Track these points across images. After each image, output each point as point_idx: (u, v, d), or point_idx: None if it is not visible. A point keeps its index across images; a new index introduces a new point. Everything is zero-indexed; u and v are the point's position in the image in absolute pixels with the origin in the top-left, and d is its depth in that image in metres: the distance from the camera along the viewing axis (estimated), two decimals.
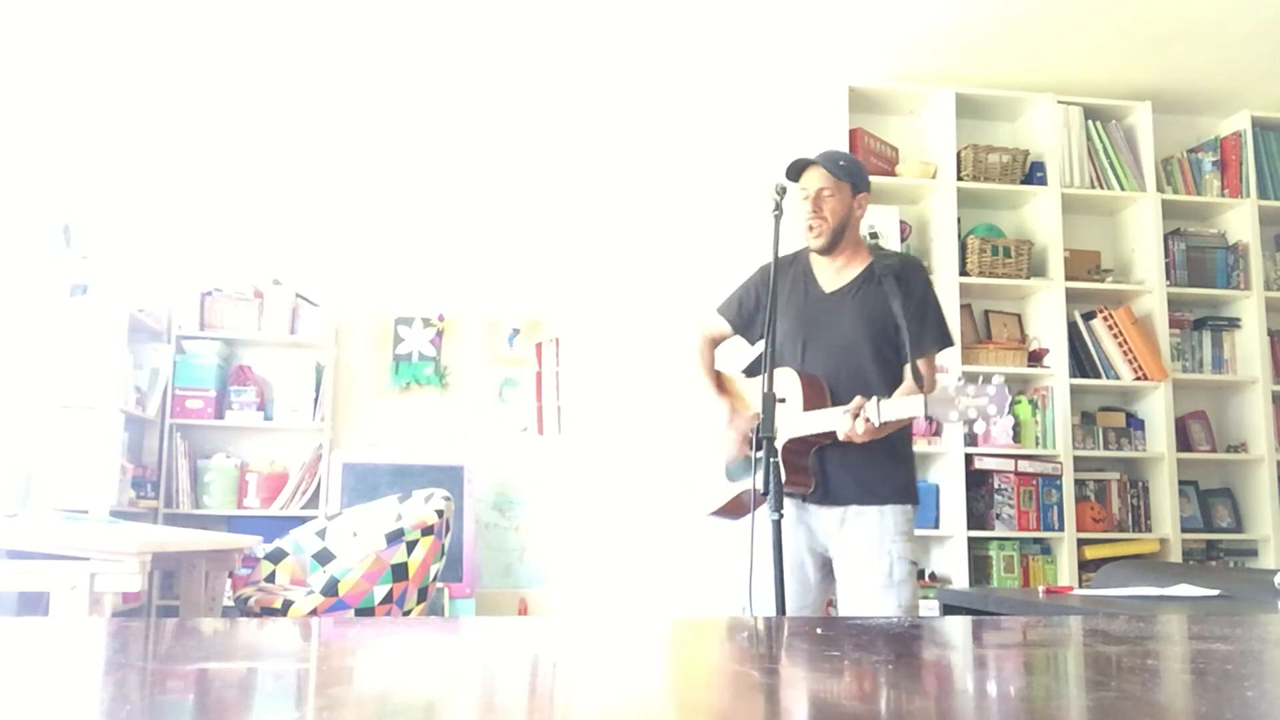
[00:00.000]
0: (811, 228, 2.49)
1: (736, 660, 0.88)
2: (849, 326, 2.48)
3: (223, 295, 4.39)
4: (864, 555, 2.40)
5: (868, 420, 2.25)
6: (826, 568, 2.49)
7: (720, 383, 2.64)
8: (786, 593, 2.32)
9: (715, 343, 2.71)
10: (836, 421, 2.31)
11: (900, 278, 2.50)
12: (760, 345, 2.69)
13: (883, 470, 2.45)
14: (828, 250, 2.52)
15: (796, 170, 2.53)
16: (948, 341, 2.56)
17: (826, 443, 2.38)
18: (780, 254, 2.66)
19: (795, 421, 2.36)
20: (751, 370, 2.68)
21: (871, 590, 2.38)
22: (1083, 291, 4.36)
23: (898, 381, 2.49)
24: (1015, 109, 4.56)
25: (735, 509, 2.54)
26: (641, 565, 4.46)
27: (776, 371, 2.47)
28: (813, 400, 2.40)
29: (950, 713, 0.66)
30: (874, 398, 2.29)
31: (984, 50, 4.15)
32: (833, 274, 2.57)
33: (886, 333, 2.48)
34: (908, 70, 4.33)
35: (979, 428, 2.32)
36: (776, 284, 2.33)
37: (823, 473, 2.43)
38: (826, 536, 2.45)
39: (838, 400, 2.38)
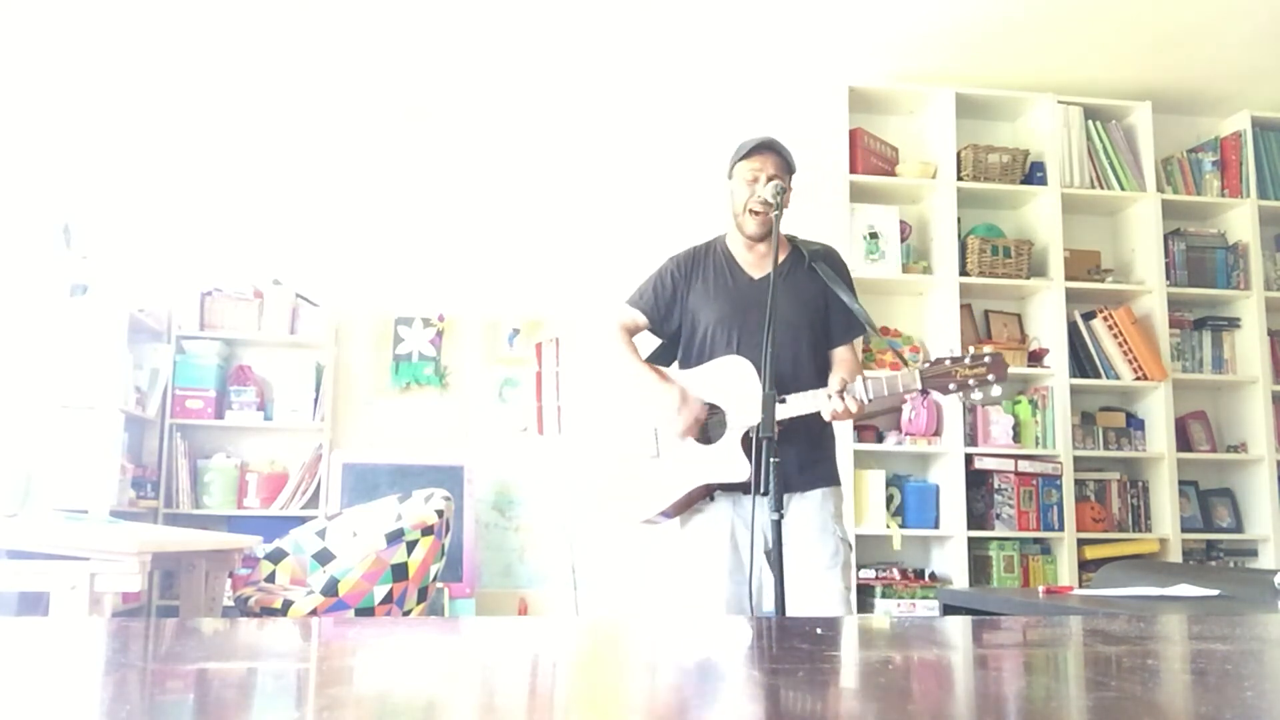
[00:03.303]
0: (756, 213, 2.44)
1: (737, 660, 0.88)
2: (785, 312, 2.43)
3: (223, 295, 4.39)
4: (807, 538, 2.38)
5: (856, 399, 2.25)
6: (768, 558, 2.43)
7: (659, 372, 2.56)
8: (730, 593, 2.33)
9: (632, 334, 2.64)
10: (821, 403, 2.28)
11: (830, 262, 2.51)
12: (669, 337, 2.63)
13: (821, 453, 2.46)
14: (762, 239, 2.49)
15: (756, 149, 2.47)
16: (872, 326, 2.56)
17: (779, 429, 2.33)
18: (699, 246, 2.62)
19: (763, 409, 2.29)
20: (656, 359, 2.61)
21: (816, 572, 2.35)
22: (1083, 291, 4.36)
23: (826, 364, 2.49)
24: (1015, 109, 4.56)
25: (674, 511, 2.49)
26: (640, 565, 4.46)
27: (726, 359, 2.45)
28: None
29: (951, 713, 0.66)
30: (859, 377, 2.28)
31: (984, 50, 4.15)
32: (756, 260, 2.52)
33: (820, 316, 2.49)
34: (908, 70, 4.33)
35: (976, 397, 2.27)
36: (776, 283, 2.29)
37: (760, 462, 2.36)
38: (767, 525, 2.37)
39: (780, 387, 2.30)
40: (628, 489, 2.56)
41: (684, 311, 2.57)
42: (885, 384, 2.28)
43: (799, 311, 2.47)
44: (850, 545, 2.46)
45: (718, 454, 2.41)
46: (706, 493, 2.46)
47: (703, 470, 2.43)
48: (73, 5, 3.80)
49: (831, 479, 2.48)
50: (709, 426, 2.45)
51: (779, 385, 2.32)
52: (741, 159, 2.48)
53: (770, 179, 2.43)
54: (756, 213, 2.45)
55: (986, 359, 2.27)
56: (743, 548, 2.41)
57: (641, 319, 2.61)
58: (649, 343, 2.66)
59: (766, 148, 2.47)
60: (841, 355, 2.52)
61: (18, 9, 3.81)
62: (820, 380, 2.45)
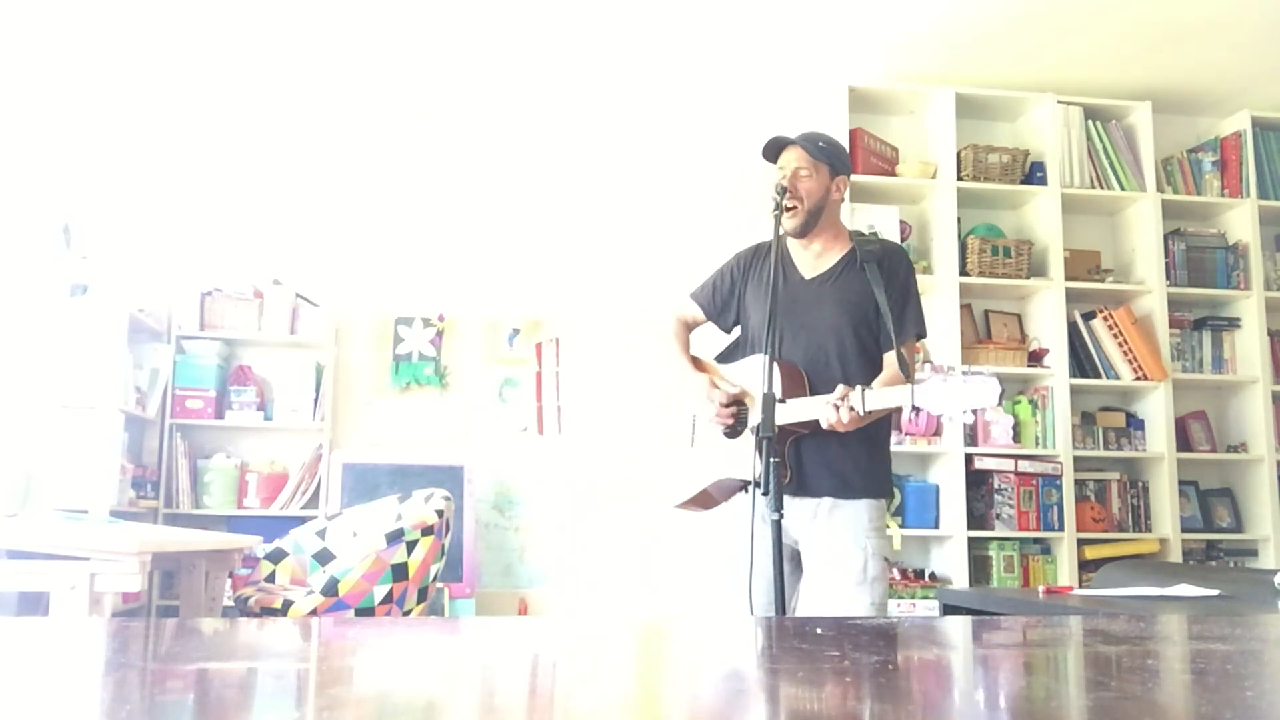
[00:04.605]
0: (786, 208, 2.40)
1: (736, 660, 0.88)
2: (829, 313, 2.41)
3: (223, 295, 4.39)
4: (837, 551, 2.33)
5: (852, 409, 2.18)
6: (795, 561, 2.42)
7: (698, 364, 2.59)
8: (755, 590, 2.27)
9: (689, 328, 2.66)
10: (820, 410, 2.23)
11: (882, 264, 2.44)
12: (735, 332, 2.64)
13: (859, 462, 2.38)
14: (802, 233, 2.45)
15: (774, 149, 2.46)
16: (925, 330, 2.52)
17: (805, 433, 2.31)
18: (762, 244, 2.61)
19: (777, 411, 2.25)
20: (725, 358, 2.61)
21: (844, 587, 2.31)
22: (1083, 291, 4.36)
23: (876, 369, 2.43)
24: (1015, 109, 4.56)
25: (704, 501, 2.49)
26: (641, 565, 4.46)
27: (753, 359, 2.43)
28: (791, 389, 2.33)
29: (951, 713, 0.66)
30: (859, 386, 2.22)
31: (984, 50, 4.15)
32: (811, 260, 2.50)
33: (867, 319, 2.42)
34: (908, 70, 4.33)
35: (967, 419, 2.26)
36: (777, 279, 2.28)
37: (798, 463, 2.36)
38: (796, 530, 2.37)
39: (815, 388, 2.33)
40: (668, 473, 2.58)
41: (741, 308, 2.58)
42: (882, 397, 2.26)
43: (843, 313, 2.42)
44: (887, 559, 2.38)
45: (739, 450, 2.41)
46: (740, 486, 2.42)
47: (723, 465, 2.42)
48: (73, 5, 3.79)
49: (868, 490, 2.39)
50: (739, 419, 2.44)
51: (817, 386, 2.33)
52: (771, 163, 2.48)
53: (794, 172, 2.42)
54: (785, 209, 2.40)
55: (979, 380, 2.23)
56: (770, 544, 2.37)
57: (699, 313, 2.64)
58: (719, 339, 2.67)
59: (783, 144, 2.45)
60: (887, 360, 2.44)
61: (18, 9, 3.81)
62: (868, 382, 2.38)
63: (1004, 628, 1.19)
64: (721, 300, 2.61)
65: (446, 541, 3.53)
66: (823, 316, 2.42)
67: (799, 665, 0.82)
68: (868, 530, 2.36)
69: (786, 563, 2.40)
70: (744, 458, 2.37)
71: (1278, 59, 4.17)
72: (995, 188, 4.36)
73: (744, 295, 2.57)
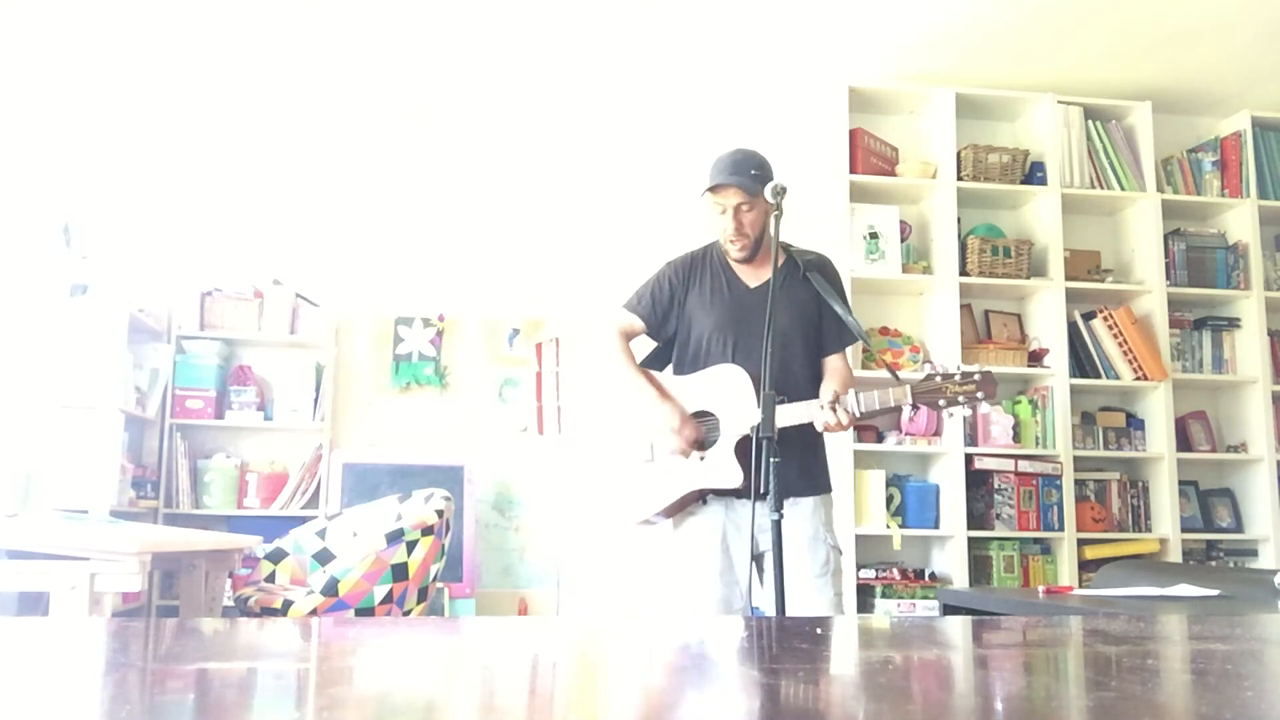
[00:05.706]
0: (733, 242, 2.47)
1: (737, 660, 0.88)
2: (780, 320, 2.42)
3: (223, 295, 4.39)
4: (799, 546, 2.39)
5: (848, 411, 2.29)
6: (759, 563, 2.45)
7: (649, 379, 2.58)
8: (720, 595, 2.36)
9: (630, 339, 2.65)
10: (814, 414, 2.31)
11: (824, 272, 2.54)
12: (665, 341, 2.65)
13: (815, 460, 2.49)
14: (749, 260, 2.52)
15: (714, 186, 2.45)
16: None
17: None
18: (697, 252, 2.64)
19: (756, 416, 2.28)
20: (654, 362, 2.64)
21: (806, 580, 2.38)
22: (1083, 291, 4.36)
23: (819, 372, 2.52)
24: (1015, 109, 4.56)
25: (673, 511, 2.52)
26: (641, 565, 4.46)
27: (722, 367, 2.48)
28: (749, 395, 2.40)
29: (951, 713, 0.66)
30: (850, 390, 2.33)
31: (984, 50, 4.15)
32: (751, 270, 2.55)
33: (814, 325, 2.52)
34: (908, 70, 4.33)
35: (964, 412, 2.33)
36: (776, 287, 2.30)
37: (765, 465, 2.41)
38: (759, 530, 2.39)
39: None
40: (623, 491, 2.60)
41: (681, 317, 2.59)
42: (877, 398, 2.32)
43: (793, 320, 2.49)
44: (840, 551, 2.48)
45: (711, 460, 2.43)
46: (699, 496, 2.48)
47: (695, 476, 2.45)
48: (73, 5, 3.79)
49: (823, 487, 2.50)
50: (705, 443, 2.48)
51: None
52: (706, 190, 2.47)
53: (737, 209, 2.43)
54: (734, 242, 2.48)
55: (976, 376, 2.32)
56: (734, 550, 2.45)
57: (639, 324, 2.62)
58: (643, 346, 2.67)
59: (723, 186, 2.43)
60: (833, 364, 2.55)
61: (18, 9, 3.81)
62: (813, 388, 2.48)
63: (1004, 628, 1.19)
64: (662, 311, 2.60)
65: (446, 541, 3.53)
66: (775, 324, 2.44)
67: (799, 664, 0.82)
68: (825, 524, 2.45)
69: (752, 564, 2.44)
70: (713, 469, 2.42)
71: (1278, 59, 4.17)
72: (995, 188, 4.36)
73: (684, 304, 2.58)
